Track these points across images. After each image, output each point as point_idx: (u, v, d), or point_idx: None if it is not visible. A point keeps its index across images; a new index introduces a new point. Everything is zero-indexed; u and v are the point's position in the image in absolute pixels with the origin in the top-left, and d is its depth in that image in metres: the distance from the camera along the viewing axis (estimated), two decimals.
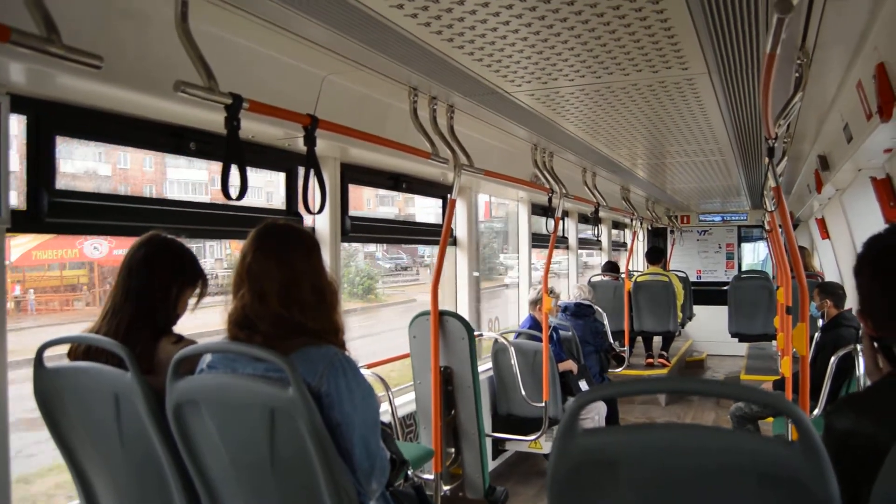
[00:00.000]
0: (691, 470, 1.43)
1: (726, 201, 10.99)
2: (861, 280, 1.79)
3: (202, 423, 2.10)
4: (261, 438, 2.02)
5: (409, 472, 2.72)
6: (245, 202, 2.69)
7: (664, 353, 9.53)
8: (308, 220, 3.83)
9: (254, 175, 2.91)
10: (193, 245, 2.71)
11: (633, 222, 9.79)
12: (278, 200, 3.92)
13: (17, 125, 2.48)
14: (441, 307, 4.50)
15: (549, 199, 5.84)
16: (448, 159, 4.06)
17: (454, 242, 5.66)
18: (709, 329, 11.45)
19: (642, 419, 8.29)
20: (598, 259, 11.05)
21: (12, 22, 1.80)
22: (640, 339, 9.65)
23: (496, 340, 5.84)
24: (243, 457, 2.09)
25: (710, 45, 2.91)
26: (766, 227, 7.80)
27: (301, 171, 3.02)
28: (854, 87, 3.20)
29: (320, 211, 3.15)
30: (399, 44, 2.87)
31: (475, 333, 4.95)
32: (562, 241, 8.71)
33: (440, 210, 5.52)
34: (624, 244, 11.71)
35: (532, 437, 5.70)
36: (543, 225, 6.48)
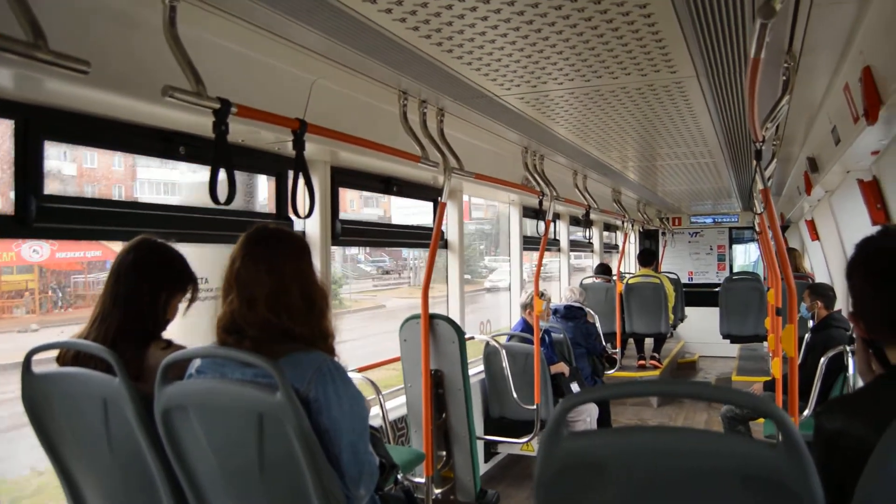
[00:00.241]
0: (677, 472, 1.44)
1: (717, 203, 11.03)
2: (853, 282, 1.79)
3: (191, 428, 2.10)
4: (249, 443, 2.01)
5: (399, 476, 2.71)
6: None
7: (656, 354, 9.55)
8: (298, 224, 3.83)
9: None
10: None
11: (625, 224, 9.81)
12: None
13: (4, 130, 2.48)
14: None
15: (540, 202, 5.85)
16: (438, 162, 4.07)
17: (445, 245, 5.66)
18: (700, 330, 11.47)
19: (634, 421, 8.30)
20: (589, 261, 11.06)
21: None
22: (631, 340, 9.68)
23: (488, 343, 5.84)
24: (232, 462, 2.09)
25: (697, 48, 2.93)
26: (757, 228, 7.84)
27: (291, 174, 3.01)
28: (841, 91, 3.23)
29: (309, 215, 3.14)
30: (388, 48, 2.88)
31: (466, 336, 4.95)
32: (553, 244, 8.72)
33: (419, 211, 5.52)
34: (616, 246, 11.73)
35: (524, 440, 5.70)
36: (535, 227, 6.50)
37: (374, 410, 4.40)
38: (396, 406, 4.96)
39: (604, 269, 9.51)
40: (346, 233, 4.17)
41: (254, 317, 2.10)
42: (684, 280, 11.99)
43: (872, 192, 3.18)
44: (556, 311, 7.22)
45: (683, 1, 2.44)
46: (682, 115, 4.28)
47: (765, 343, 8.63)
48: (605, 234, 11.18)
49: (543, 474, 1.54)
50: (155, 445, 2.15)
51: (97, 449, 2.28)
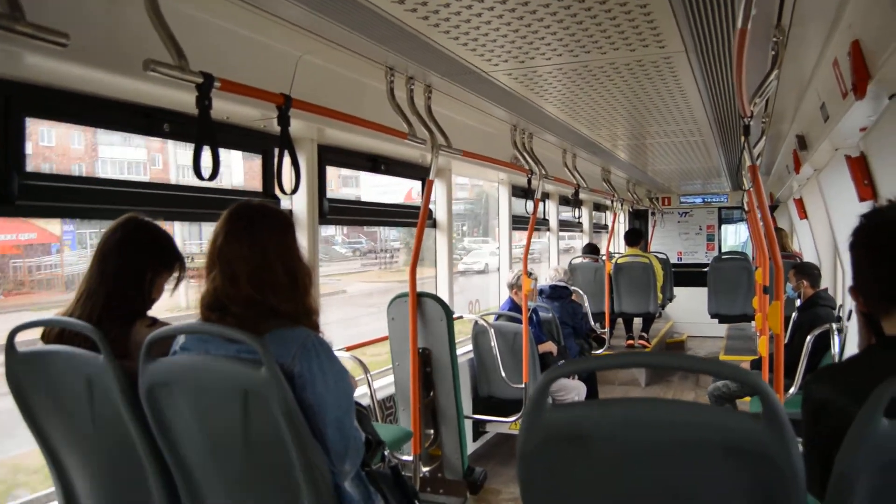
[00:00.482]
0: (659, 443, 1.44)
1: (707, 183, 11.04)
2: (854, 255, 1.80)
3: (175, 404, 2.09)
4: (234, 419, 2.00)
5: (386, 453, 2.71)
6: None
7: (644, 334, 9.59)
8: (286, 203, 3.80)
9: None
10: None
11: (614, 204, 9.80)
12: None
13: None
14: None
15: (529, 181, 5.83)
16: (425, 139, 4.04)
17: (434, 224, 5.65)
18: (689, 310, 11.51)
19: None
20: (574, 242, 11.07)
21: None
22: (620, 320, 9.70)
23: (476, 322, 5.84)
24: (217, 438, 2.08)
25: (686, 23, 2.91)
26: (745, 207, 7.84)
27: (277, 152, 2.99)
28: (830, 66, 3.21)
29: (295, 191, 3.12)
30: (374, 23, 2.85)
31: (455, 315, 4.95)
32: (542, 223, 8.72)
33: (390, 190, 5.48)
34: (605, 226, 11.74)
35: (512, 419, 5.72)
36: (523, 207, 6.48)
37: (363, 389, 4.41)
38: (385, 385, 4.96)
39: (592, 249, 9.51)
40: (334, 211, 4.15)
41: (237, 293, 2.08)
42: (673, 260, 12.01)
43: (860, 168, 3.18)
44: (541, 292, 7.23)
45: None
46: (672, 92, 4.27)
47: (753, 322, 8.66)
48: (596, 213, 11.18)
49: (526, 447, 1.54)
50: (140, 423, 2.15)
51: (82, 427, 2.28)
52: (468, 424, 5.64)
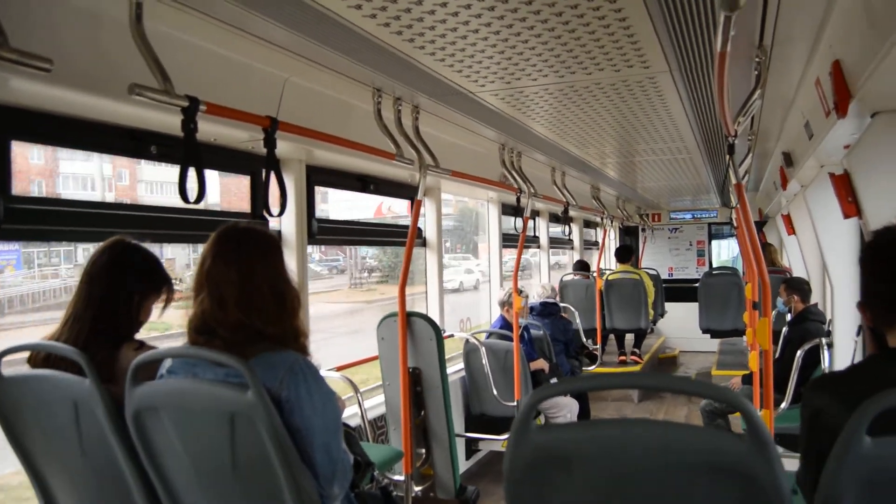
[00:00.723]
0: (643, 464, 1.45)
1: (696, 199, 11.09)
2: (862, 270, 1.84)
3: (163, 429, 2.08)
4: (222, 443, 2.00)
5: (376, 474, 2.70)
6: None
7: (636, 350, 9.58)
8: (274, 224, 3.81)
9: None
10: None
11: (604, 221, 9.83)
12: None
13: None
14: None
15: (518, 199, 5.85)
16: (413, 160, 4.06)
17: (424, 243, 5.65)
18: (681, 326, 11.52)
19: (615, 416, 8.32)
20: (559, 258, 11.07)
21: None
22: (612, 337, 9.70)
23: (467, 341, 5.84)
24: (205, 462, 2.07)
25: (669, 43, 2.93)
26: (734, 223, 7.87)
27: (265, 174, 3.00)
28: (813, 85, 3.24)
29: (281, 213, 3.13)
30: (360, 45, 2.87)
31: (446, 334, 4.95)
32: (533, 241, 8.74)
33: (355, 206, 5.47)
34: (595, 243, 11.76)
35: (504, 437, 5.70)
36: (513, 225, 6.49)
37: (353, 409, 4.39)
38: (376, 405, 4.95)
39: (582, 266, 9.53)
40: (323, 231, 4.16)
41: (224, 317, 2.08)
42: (664, 276, 12.04)
43: (844, 185, 3.20)
44: (532, 309, 7.24)
45: None
46: (657, 111, 4.30)
47: (744, 337, 8.67)
48: (586, 230, 11.21)
49: (513, 468, 1.54)
50: (127, 447, 2.14)
51: (69, 452, 2.26)
52: (460, 443, 5.62)
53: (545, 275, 9.30)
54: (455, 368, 6.00)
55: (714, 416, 6.01)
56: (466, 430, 5.95)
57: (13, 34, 1.93)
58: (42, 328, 2.45)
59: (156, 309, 2.54)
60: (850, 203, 3.15)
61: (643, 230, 12.74)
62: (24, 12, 2.15)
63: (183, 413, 2.06)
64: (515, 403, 5.55)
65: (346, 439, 2.31)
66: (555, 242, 9.52)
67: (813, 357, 5.06)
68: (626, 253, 9.79)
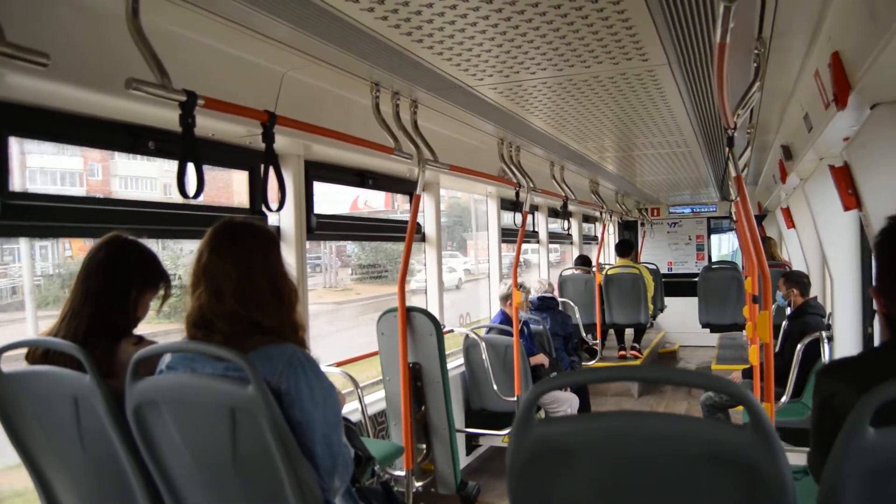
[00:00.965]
0: (644, 456, 1.44)
1: (695, 193, 11.07)
2: (876, 256, 1.85)
3: (163, 424, 2.08)
4: (222, 438, 2.00)
5: (376, 469, 2.70)
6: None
7: (636, 345, 9.57)
8: (273, 219, 3.80)
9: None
10: None
11: (603, 215, 9.81)
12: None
13: None
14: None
15: (517, 194, 5.84)
16: (412, 154, 4.05)
17: (423, 239, 5.65)
18: (681, 320, 11.52)
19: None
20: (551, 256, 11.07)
21: None
22: (612, 331, 9.69)
23: (467, 336, 5.84)
24: (205, 457, 2.07)
25: (668, 35, 2.93)
26: (734, 217, 7.86)
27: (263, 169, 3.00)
28: (812, 77, 3.24)
29: (280, 208, 3.13)
30: (358, 39, 2.86)
31: (445, 329, 4.94)
32: (532, 236, 8.73)
33: (334, 199, 5.45)
34: (595, 238, 11.75)
35: (505, 432, 5.71)
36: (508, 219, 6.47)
37: (354, 405, 4.39)
38: (377, 400, 4.94)
39: (583, 261, 9.51)
40: (321, 227, 4.15)
41: (222, 310, 2.08)
42: (664, 270, 12.02)
43: (844, 177, 3.19)
44: (530, 304, 7.23)
45: None
46: (657, 104, 4.29)
47: (744, 331, 8.67)
48: (585, 225, 11.19)
49: (515, 461, 1.54)
50: (127, 442, 2.14)
51: (69, 448, 2.26)
52: (460, 438, 5.62)
53: (544, 270, 9.29)
54: (455, 364, 5.99)
55: (714, 410, 6.01)
56: (466, 426, 5.95)
57: (9, 29, 1.91)
58: None
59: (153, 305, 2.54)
60: (851, 195, 3.14)
61: (642, 225, 12.72)
62: (20, 6, 2.14)
63: (183, 408, 2.06)
64: (515, 398, 5.54)
65: (346, 433, 2.31)
66: (554, 237, 9.51)
67: (813, 351, 5.06)
68: (627, 247, 9.77)
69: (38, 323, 3.87)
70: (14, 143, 2.54)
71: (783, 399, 5.03)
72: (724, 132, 4.91)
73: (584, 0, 2.52)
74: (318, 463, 2.07)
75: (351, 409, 4.38)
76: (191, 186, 2.52)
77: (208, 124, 2.92)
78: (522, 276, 6.42)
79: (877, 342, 4.77)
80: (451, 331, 5.63)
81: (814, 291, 6.09)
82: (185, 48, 2.75)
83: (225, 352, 1.96)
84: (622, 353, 9.46)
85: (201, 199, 2.71)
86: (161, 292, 2.53)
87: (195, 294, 2.13)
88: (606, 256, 11.56)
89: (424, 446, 4.83)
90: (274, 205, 3.08)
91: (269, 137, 2.98)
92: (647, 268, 9.75)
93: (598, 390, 8.71)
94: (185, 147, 2.47)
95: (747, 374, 5.82)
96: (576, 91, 3.88)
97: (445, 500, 4.85)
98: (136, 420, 2.09)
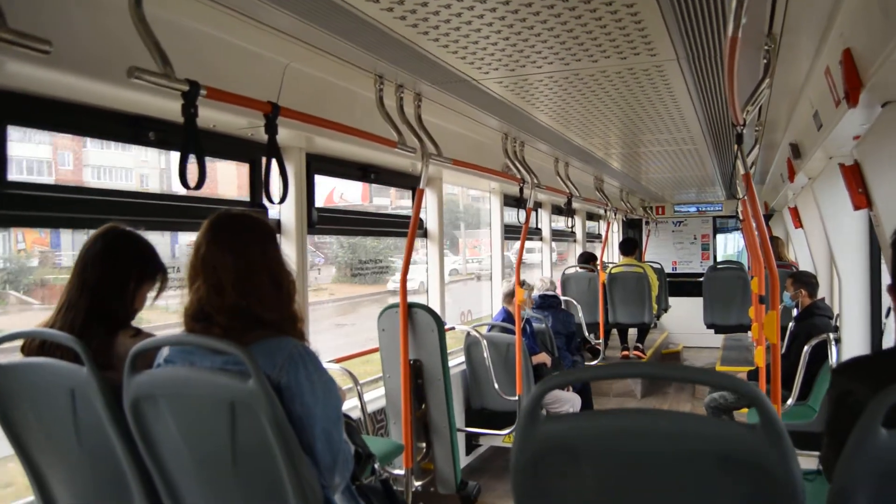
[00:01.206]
0: (650, 454, 1.42)
1: (701, 191, 11.04)
2: (893, 254, 1.83)
3: (161, 417, 2.05)
4: (221, 432, 1.97)
5: (377, 467, 2.67)
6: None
7: (639, 345, 9.54)
8: (274, 212, 3.77)
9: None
10: None
11: (608, 213, 9.77)
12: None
13: None
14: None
15: (521, 190, 5.81)
16: (415, 148, 4.02)
17: (425, 234, 5.61)
18: (685, 321, 11.48)
19: None
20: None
21: None
22: (615, 331, 9.65)
23: (469, 333, 5.80)
24: (203, 451, 2.05)
25: (677, 30, 2.89)
26: (740, 216, 7.81)
27: (265, 161, 2.97)
28: (822, 74, 3.20)
29: (282, 200, 3.09)
30: (363, 31, 2.83)
31: (447, 327, 4.90)
32: (535, 233, 8.69)
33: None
34: (598, 236, 11.71)
35: (506, 432, 5.66)
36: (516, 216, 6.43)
37: (353, 402, 4.36)
38: (376, 398, 4.91)
39: (587, 259, 9.45)
40: (323, 221, 4.12)
41: (221, 302, 2.05)
42: (668, 270, 11.99)
43: (854, 176, 3.15)
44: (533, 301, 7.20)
45: None
46: (664, 100, 4.25)
47: (749, 333, 8.63)
48: (589, 223, 11.16)
49: (520, 459, 1.52)
50: (124, 436, 2.11)
51: (65, 440, 2.24)
52: (461, 437, 5.59)
53: (547, 269, 9.25)
54: (456, 362, 5.95)
55: (718, 412, 5.96)
56: (467, 425, 5.91)
57: (12, 15, 1.88)
58: None
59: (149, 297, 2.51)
60: (861, 194, 3.10)
61: (647, 223, 12.67)
62: None
63: (182, 402, 2.04)
64: (517, 398, 5.50)
65: (346, 430, 2.28)
66: (557, 235, 9.47)
67: (820, 353, 5.02)
68: (631, 246, 9.73)
69: None
70: None
71: (789, 402, 4.99)
72: (731, 129, 4.89)
73: None
74: (317, 459, 2.04)
75: (350, 407, 4.35)
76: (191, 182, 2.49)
77: (209, 115, 2.88)
78: (523, 276, 6.38)
79: (886, 340, 4.74)
80: (453, 328, 5.59)
81: (821, 292, 6.04)
82: (187, 38, 2.72)
83: (225, 345, 1.93)
84: (625, 353, 9.42)
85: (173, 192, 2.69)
86: (158, 284, 2.50)
87: (193, 287, 2.10)
88: (610, 255, 11.52)
89: (424, 445, 4.80)
90: (276, 197, 3.05)
91: (271, 129, 2.95)
92: (651, 267, 9.71)
93: (600, 391, 8.67)
94: (187, 138, 2.45)
95: (752, 375, 5.78)
96: (582, 86, 3.85)
97: (445, 499, 4.82)
98: (134, 414, 2.06)
